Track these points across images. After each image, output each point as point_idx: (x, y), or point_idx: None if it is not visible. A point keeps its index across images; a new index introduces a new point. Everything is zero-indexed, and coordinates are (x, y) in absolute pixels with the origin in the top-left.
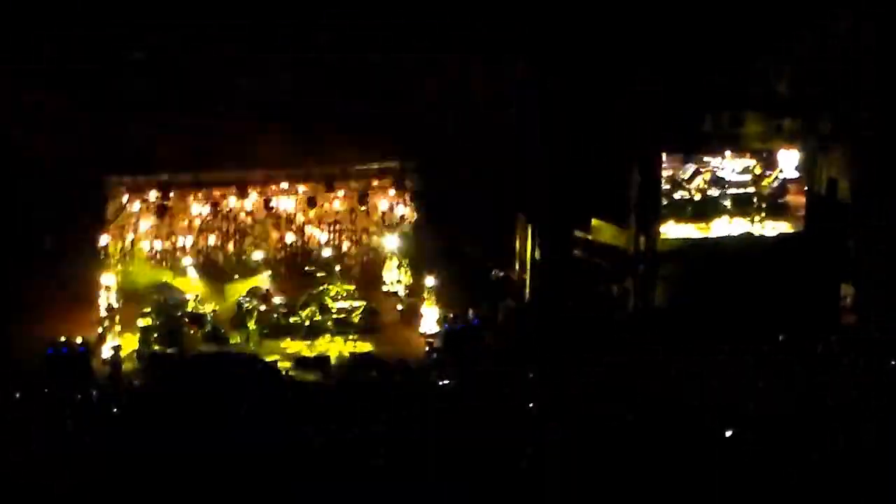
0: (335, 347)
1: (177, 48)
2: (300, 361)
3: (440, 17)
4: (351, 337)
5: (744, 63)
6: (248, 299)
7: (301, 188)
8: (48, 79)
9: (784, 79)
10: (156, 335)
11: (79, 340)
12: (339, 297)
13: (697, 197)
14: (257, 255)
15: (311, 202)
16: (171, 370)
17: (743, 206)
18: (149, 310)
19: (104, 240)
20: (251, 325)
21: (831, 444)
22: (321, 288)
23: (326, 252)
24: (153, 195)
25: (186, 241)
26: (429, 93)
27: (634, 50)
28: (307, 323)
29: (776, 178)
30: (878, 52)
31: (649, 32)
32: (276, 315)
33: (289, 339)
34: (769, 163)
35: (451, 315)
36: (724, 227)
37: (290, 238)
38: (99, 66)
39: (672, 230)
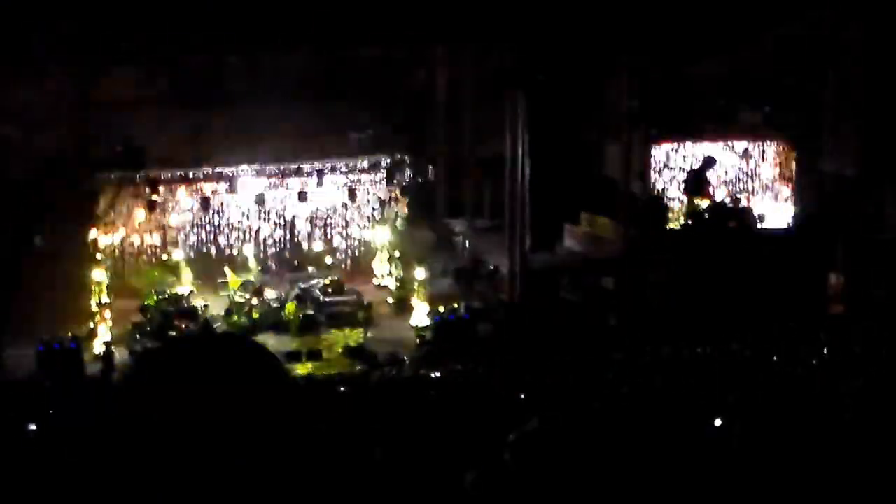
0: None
1: (167, 44)
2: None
3: (427, 8)
4: (351, 332)
5: (733, 52)
6: (239, 293)
7: (292, 182)
8: (38, 75)
9: (774, 68)
10: (147, 329)
11: (70, 336)
12: (330, 290)
13: None
14: (248, 250)
15: (302, 196)
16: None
17: None
18: (140, 305)
19: (94, 235)
20: (243, 319)
21: (823, 434)
22: (312, 282)
23: (317, 246)
24: (143, 191)
25: (178, 236)
26: (418, 87)
27: (623, 40)
28: (300, 317)
29: None
30: (865, 44)
31: (638, 22)
32: (267, 309)
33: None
34: None
35: (442, 308)
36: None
37: (280, 232)
38: (91, 63)
39: None
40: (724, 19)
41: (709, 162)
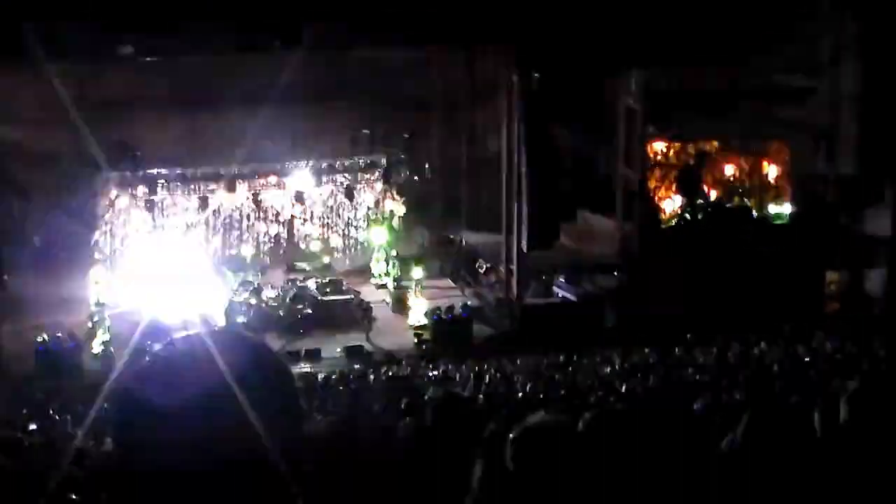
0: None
1: (166, 44)
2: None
3: (423, 10)
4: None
5: (736, 53)
6: (238, 293)
7: (289, 182)
8: (37, 75)
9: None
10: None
11: (69, 336)
12: (328, 290)
13: None
14: (245, 250)
15: (299, 196)
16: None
17: None
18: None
19: (94, 235)
20: (241, 319)
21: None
22: (310, 281)
23: (315, 246)
24: (142, 191)
25: (175, 235)
26: (416, 86)
27: (622, 41)
28: (298, 316)
29: None
30: (864, 43)
31: (637, 23)
32: (265, 308)
33: None
34: None
35: (440, 307)
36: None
37: (277, 232)
38: (88, 62)
39: None
40: (724, 19)
41: (702, 158)
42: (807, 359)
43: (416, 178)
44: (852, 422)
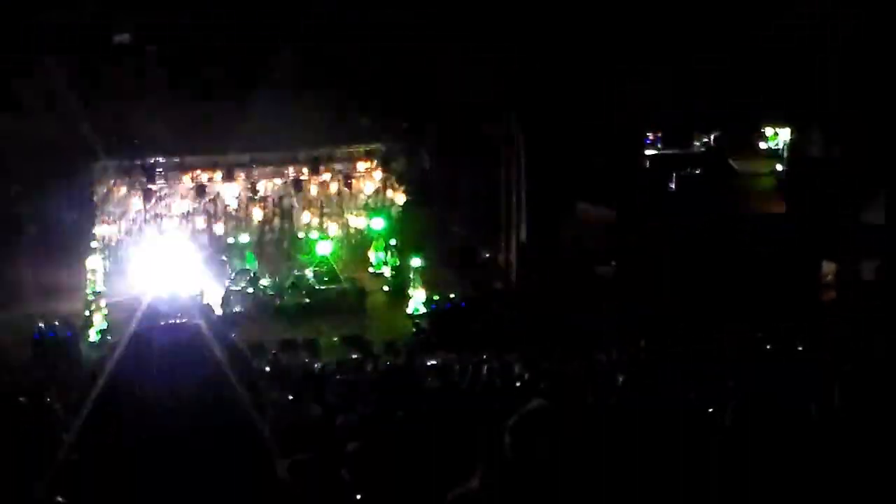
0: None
1: (163, 32)
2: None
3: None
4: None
5: (731, 47)
6: (235, 281)
7: (287, 170)
8: (34, 63)
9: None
10: (142, 319)
11: (66, 324)
12: (324, 279)
13: None
14: (243, 239)
15: (298, 185)
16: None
17: None
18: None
19: (91, 224)
20: (238, 307)
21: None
22: (308, 270)
23: (313, 234)
24: (139, 179)
25: (173, 223)
26: (417, 76)
27: (622, 39)
28: (295, 305)
29: None
30: (857, 33)
31: (637, 22)
32: (263, 297)
33: None
34: None
35: (438, 297)
36: None
37: (276, 221)
38: (85, 50)
39: None
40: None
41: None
42: (801, 349)
43: (415, 165)
44: (847, 410)
